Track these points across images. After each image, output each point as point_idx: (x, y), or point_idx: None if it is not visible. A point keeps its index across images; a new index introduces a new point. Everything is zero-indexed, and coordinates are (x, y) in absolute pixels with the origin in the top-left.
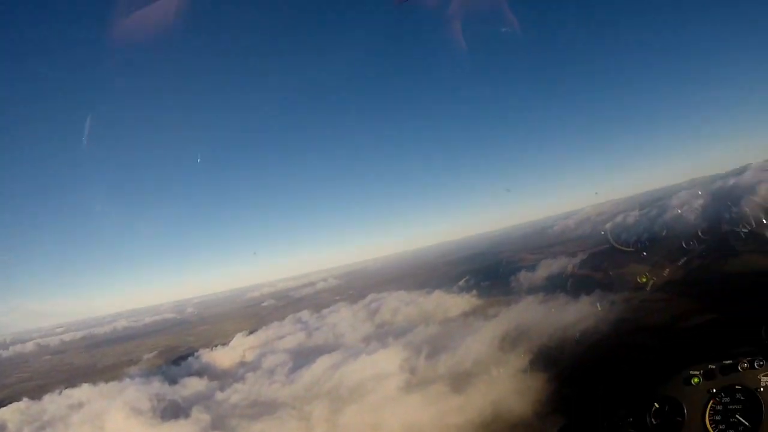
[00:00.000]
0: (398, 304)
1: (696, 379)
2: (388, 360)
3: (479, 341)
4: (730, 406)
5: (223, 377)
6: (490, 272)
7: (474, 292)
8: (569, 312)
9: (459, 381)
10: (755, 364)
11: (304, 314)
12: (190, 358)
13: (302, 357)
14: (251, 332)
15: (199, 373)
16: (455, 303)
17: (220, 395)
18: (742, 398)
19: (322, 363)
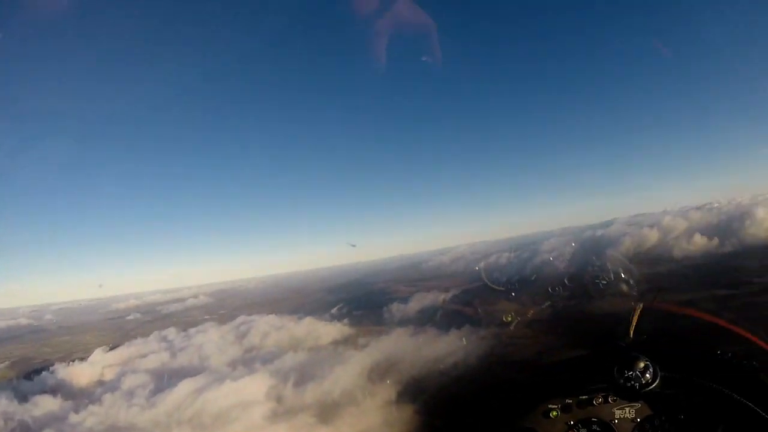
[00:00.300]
0: (268, 329)
1: (554, 413)
2: (255, 387)
3: (348, 371)
4: None
5: (79, 397)
6: (363, 301)
7: (346, 320)
8: (439, 345)
9: (327, 411)
10: (609, 399)
11: (171, 332)
12: (44, 373)
13: (165, 379)
14: (113, 347)
15: (54, 391)
16: (326, 331)
17: (74, 417)
18: (598, 429)
19: (185, 387)
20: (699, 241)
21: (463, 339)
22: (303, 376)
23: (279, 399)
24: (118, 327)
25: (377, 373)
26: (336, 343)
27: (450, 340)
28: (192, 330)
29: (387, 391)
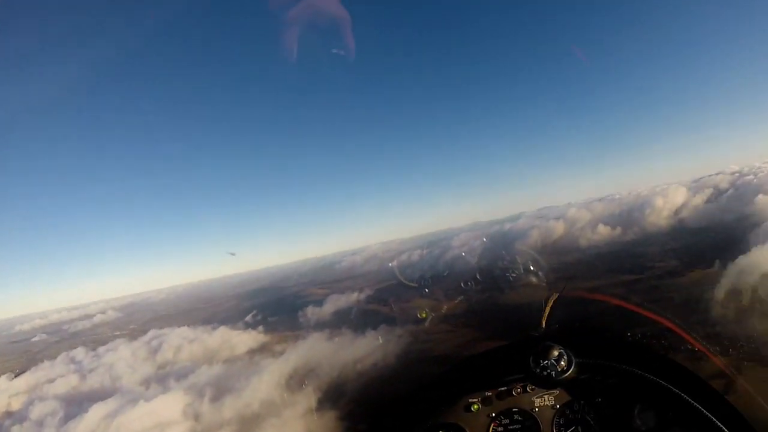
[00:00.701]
0: (181, 342)
1: (476, 406)
2: (170, 406)
3: (267, 380)
4: (510, 427)
5: None
6: (277, 307)
7: (261, 327)
8: (356, 346)
9: (247, 425)
10: (527, 389)
11: (79, 352)
12: None
13: (75, 404)
14: (19, 374)
15: None
16: (241, 340)
17: None
18: (520, 419)
19: (97, 412)
20: (603, 231)
21: (380, 338)
22: (220, 390)
23: (196, 417)
24: (23, 351)
25: (296, 380)
26: (252, 352)
27: (367, 340)
28: (102, 348)
29: (308, 398)
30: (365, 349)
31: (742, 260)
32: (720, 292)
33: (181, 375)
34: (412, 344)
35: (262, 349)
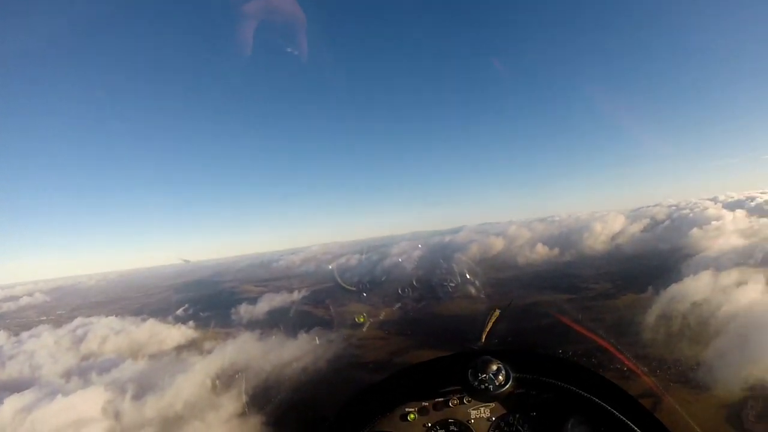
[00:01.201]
0: (107, 332)
1: (412, 416)
2: (90, 402)
3: (193, 380)
4: None
5: None
6: (211, 302)
7: (191, 322)
8: (288, 348)
9: (168, 427)
10: (464, 400)
11: (0, 336)
12: None
13: None
14: None
15: None
16: (170, 334)
17: None
18: (455, 430)
19: (11, 404)
20: (541, 250)
21: (315, 340)
22: (143, 387)
23: (116, 415)
24: None
25: (223, 381)
26: (180, 348)
27: (300, 343)
28: (25, 334)
29: (234, 401)
30: (298, 352)
31: (674, 288)
32: (651, 316)
33: (104, 368)
34: (346, 349)
35: (190, 346)
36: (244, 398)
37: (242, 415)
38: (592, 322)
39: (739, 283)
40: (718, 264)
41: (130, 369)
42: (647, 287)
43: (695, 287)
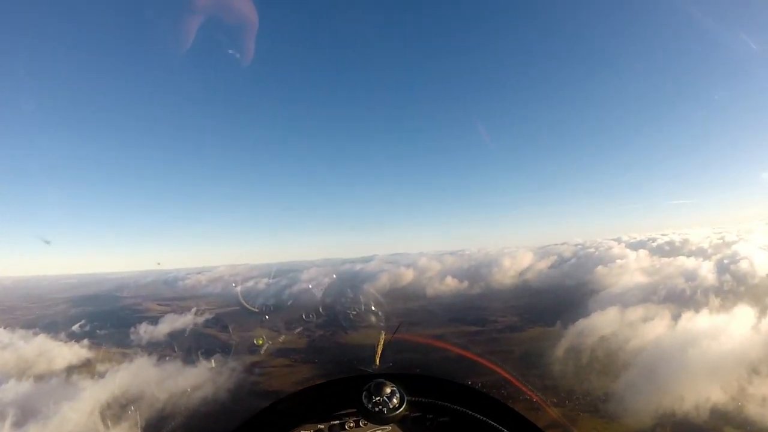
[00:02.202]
0: None
1: None
2: None
3: (81, 407)
4: None
5: None
6: (110, 318)
7: (86, 341)
8: (188, 374)
9: None
10: (360, 423)
11: None
12: None
13: None
14: None
15: None
16: (62, 353)
17: None
18: None
19: None
20: (450, 283)
21: (217, 366)
22: (25, 413)
23: None
24: None
25: (114, 410)
26: (71, 368)
27: (201, 369)
28: None
29: None
30: (198, 379)
31: (583, 323)
32: (560, 349)
33: None
34: (248, 377)
35: (82, 367)
36: (136, 429)
37: None
38: (500, 354)
39: (645, 319)
40: (624, 300)
41: (13, 390)
42: (555, 321)
43: (603, 322)
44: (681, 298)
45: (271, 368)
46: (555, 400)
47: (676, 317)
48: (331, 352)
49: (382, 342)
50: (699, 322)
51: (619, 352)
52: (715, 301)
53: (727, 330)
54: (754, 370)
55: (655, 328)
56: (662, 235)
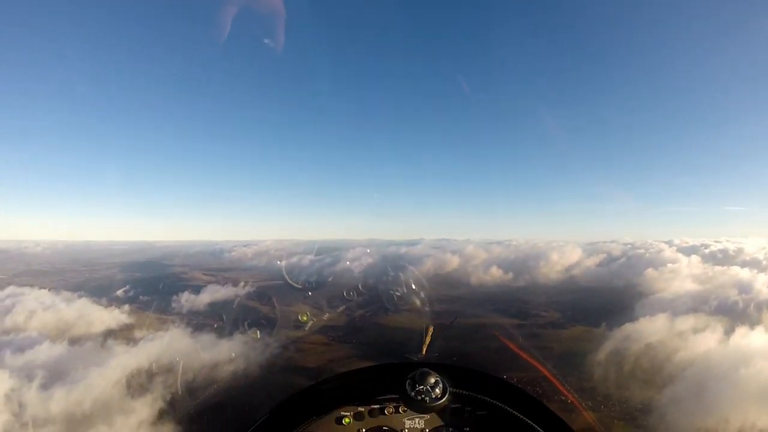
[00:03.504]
0: (36, 306)
1: (347, 420)
2: None
3: (111, 373)
4: None
5: None
6: (154, 285)
7: (128, 306)
8: (224, 346)
9: (72, 427)
10: (399, 410)
11: None
12: None
13: None
14: None
15: None
16: (101, 316)
17: None
18: None
19: None
20: (495, 273)
21: (252, 340)
22: (54, 376)
23: (20, 405)
24: None
25: (146, 378)
26: (108, 333)
27: (238, 341)
28: None
29: (151, 404)
30: (233, 351)
31: (629, 327)
32: (602, 351)
33: (20, 348)
34: (285, 352)
35: (119, 332)
36: (162, 402)
37: (155, 422)
38: (540, 350)
39: (696, 330)
40: (674, 307)
41: (46, 351)
42: (598, 321)
43: (650, 328)
44: (733, 311)
45: (309, 345)
46: (590, 404)
47: (728, 331)
48: (370, 333)
49: (430, 332)
50: (753, 338)
51: (665, 362)
52: (767, 317)
53: None
54: None
55: (705, 341)
56: (715, 241)
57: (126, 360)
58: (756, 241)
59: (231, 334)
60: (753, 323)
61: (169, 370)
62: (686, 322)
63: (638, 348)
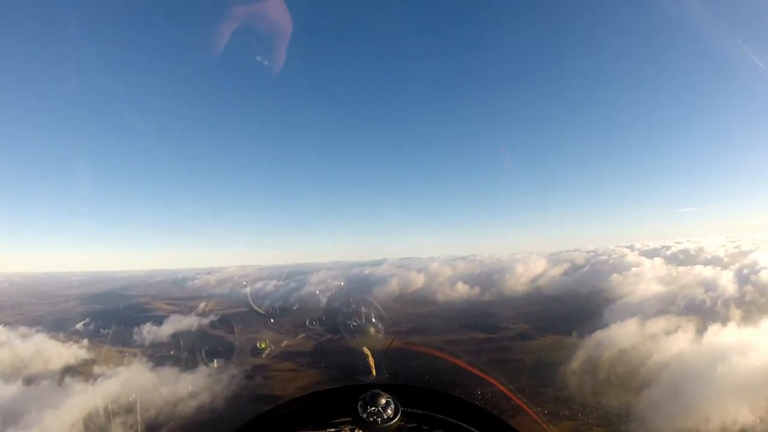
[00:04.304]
0: None
1: None
2: None
3: (68, 414)
4: None
5: None
6: (115, 317)
7: (86, 340)
8: (188, 378)
9: None
10: None
11: None
12: None
13: None
14: None
15: None
16: (60, 352)
17: None
18: None
19: None
20: (461, 289)
21: (216, 371)
22: (7, 420)
23: None
24: None
25: (105, 419)
26: (66, 370)
27: (201, 374)
28: None
29: None
30: (197, 382)
31: (600, 334)
32: (574, 359)
33: None
34: (251, 381)
35: (79, 369)
36: None
37: None
38: (512, 362)
39: (668, 332)
40: (642, 310)
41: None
42: (567, 329)
43: (622, 333)
44: (701, 309)
45: (277, 372)
46: (567, 413)
47: (700, 330)
48: (339, 357)
49: (370, 355)
50: (725, 336)
51: (640, 366)
52: (737, 313)
53: (755, 345)
54: None
55: (678, 342)
56: (675, 243)
57: (84, 399)
58: (714, 239)
59: (194, 365)
60: (723, 320)
61: (129, 409)
62: (657, 325)
63: (612, 354)
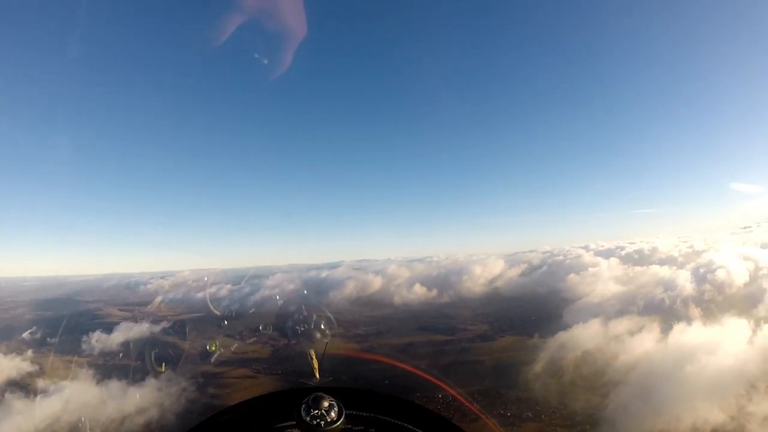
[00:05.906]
0: None
1: None
2: None
3: None
4: None
5: None
6: (64, 325)
7: (31, 352)
8: (138, 388)
9: None
10: None
11: None
12: None
13: None
14: None
15: None
16: (2, 365)
17: None
18: None
19: None
20: (419, 290)
21: (167, 379)
22: None
23: None
24: None
25: None
26: (8, 385)
27: (151, 382)
28: None
29: None
30: (147, 392)
31: (563, 335)
32: (538, 361)
33: None
34: (207, 389)
35: (21, 383)
36: None
37: None
38: (471, 363)
39: (632, 332)
40: (602, 310)
41: None
42: (526, 329)
43: (585, 334)
44: (662, 309)
45: (232, 379)
46: (530, 414)
47: (664, 330)
48: (296, 362)
49: (315, 357)
50: (690, 335)
51: (605, 367)
52: (697, 312)
53: (721, 344)
54: (753, 387)
55: (643, 342)
56: (630, 243)
57: (24, 419)
58: (668, 240)
59: (145, 376)
60: (684, 319)
61: (74, 428)
62: (620, 325)
63: (575, 355)
